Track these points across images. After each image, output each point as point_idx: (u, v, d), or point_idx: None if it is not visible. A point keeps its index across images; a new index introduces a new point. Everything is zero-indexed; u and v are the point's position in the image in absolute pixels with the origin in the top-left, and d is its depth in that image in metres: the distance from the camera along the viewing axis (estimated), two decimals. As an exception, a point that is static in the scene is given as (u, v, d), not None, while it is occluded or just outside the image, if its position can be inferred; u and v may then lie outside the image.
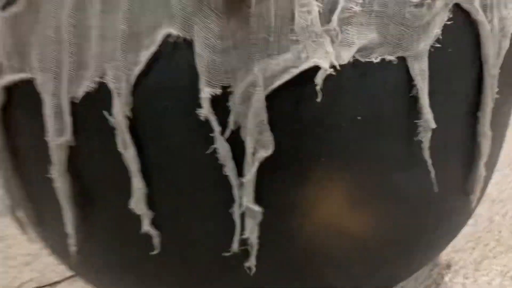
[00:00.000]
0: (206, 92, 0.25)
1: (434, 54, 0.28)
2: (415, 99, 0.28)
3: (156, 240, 0.30)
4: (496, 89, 0.32)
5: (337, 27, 0.25)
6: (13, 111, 0.31)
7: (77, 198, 0.31)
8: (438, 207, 0.33)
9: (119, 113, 0.26)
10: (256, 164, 0.27)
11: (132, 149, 0.27)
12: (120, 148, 0.27)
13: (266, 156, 0.27)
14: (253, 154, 0.27)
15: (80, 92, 0.27)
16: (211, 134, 0.26)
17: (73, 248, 0.32)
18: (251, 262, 0.30)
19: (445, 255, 0.54)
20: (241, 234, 0.29)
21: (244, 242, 0.30)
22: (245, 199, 0.28)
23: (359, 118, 0.28)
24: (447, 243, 0.40)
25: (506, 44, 0.31)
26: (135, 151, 0.27)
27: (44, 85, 0.28)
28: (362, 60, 0.26)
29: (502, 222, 0.59)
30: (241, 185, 0.28)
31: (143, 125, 0.27)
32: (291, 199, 0.29)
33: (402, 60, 0.28)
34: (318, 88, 0.26)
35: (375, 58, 0.27)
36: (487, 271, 0.51)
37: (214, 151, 0.27)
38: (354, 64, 0.27)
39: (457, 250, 0.55)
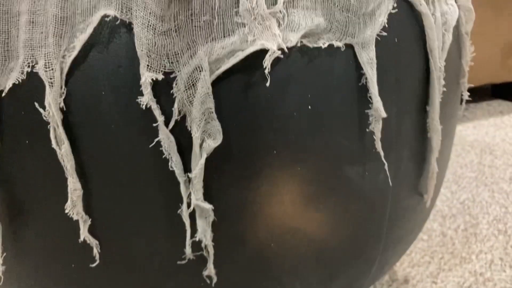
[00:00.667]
0: (146, 77, 0.24)
1: (381, 43, 0.28)
2: (365, 89, 0.28)
3: (96, 250, 0.27)
4: (443, 82, 0.32)
5: (283, 9, 0.25)
6: None
7: (4, 208, 0.27)
8: (393, 204, 0.33)
9: (52, 105, 0.24)
10: (204, 156, 0.25)
11: (66, 145, 0.25)
12: (54, 144, 0.25)
13: (214, 146, 0.25)
14: (201, 145, 0.25)
15: (8, 84, 0.25)
16: (154, 125, 0.25)
17: (0, 268, 0.29)
18: (210, 270, 0.28)
19: (402, 270, 0.53)
20: (193, 237, 0.27)
21: (198, 246, 0.27)
22: (193, 197, 0.26)
23: (309, 107, 0.27)
24: (405, 248, 0.39)
25: (449, 38, 0.32)
26: (70, 147, 0.25)
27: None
28: (310, 45, 0.26)
29: (455, 236, 0.59)
30: (188, 181, 0.26)
31: (78, 118, 0.25)
32: (243, 195, 0.27)
33: (350, 48, 0.27)
34: (266, 71, 0.24)
35: (323, 44, 0.26)
36: (444, 283, 0.51)
37: (158, 144, 0.25)
38: (302, 50, 0.26)
39: (414, 265, 0.54)
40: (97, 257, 0.28)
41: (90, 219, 0.27)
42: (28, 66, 0.24)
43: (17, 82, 0.25)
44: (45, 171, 0.26)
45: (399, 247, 0.37)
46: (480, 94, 1.20)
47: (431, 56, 0.31)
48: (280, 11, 0.25)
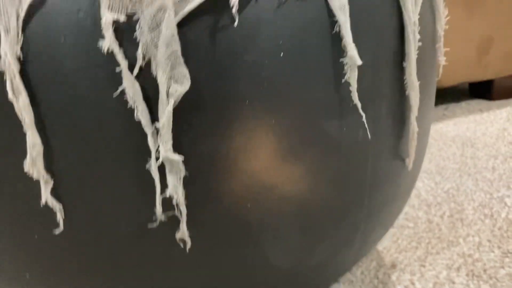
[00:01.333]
0: (107, 18, 0.22)
1: (352, -8, 0.27)
2: (339, 37, 0.27)
3: (59, 215, 0.26)
4: (419, 37, 0.31)
5: None
6: None
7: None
8: (374, 165, 0.31)
9: (8, 54, 0.23)
10: (171, 103, 0.24)
11: (24, 96, 0.23)
12: (10, 96, 0.23)
13: (182, 92, 0.24)
14: (167, 92, 0.24)
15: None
16: (117, 70, 0.23)
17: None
18: (183, 232, 0.26)
19: (389, 256, 0.52)
20: (163, 193, 0.25)
21: (170, 206, 0.26)
22: (162, 149, 0.24)
23: (281, 54, 0.26)
24: (389, 219, 0.38)
25: (421, -9, 0.31)
26: (28, 98, 0.23)
27: None
28: (279, -14, 0.25)
29: (441, 222, 0.58)
30: (156, 131, 0.24)
31: (36, 67, 0.24)
32: (215, 148, 0.26)
33: (321, -7, 0.26)
34: (234, 10, 0.23)
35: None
36: (432, 266, 0.49)
37: (123, 93, 0.24)
38: (271, -9, 0.25)
39: (401, 251, 0.53)
40: (61, 222, 0.26)
41: (52, 180, 0.25)
42: (-19, 13, 0.23)
43: (-31, 31, 0.23)
44: (1, 126, 0.24)
45: (383, 216, 0.36)
46: (458, 94, 1.21)
47: (404, 9, 0.30)
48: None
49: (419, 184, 0.70)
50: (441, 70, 0.38)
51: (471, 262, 0.49)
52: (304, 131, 0.27)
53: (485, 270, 0.47)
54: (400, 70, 0.32)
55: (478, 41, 1.01)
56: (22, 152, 0.24)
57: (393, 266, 0.50)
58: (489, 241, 0.53)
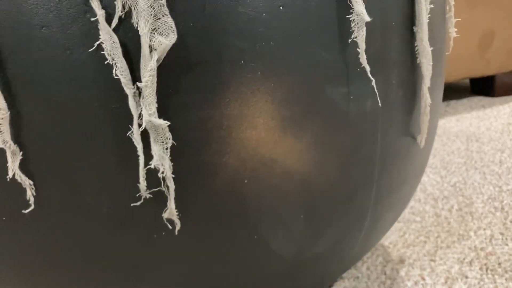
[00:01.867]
0: (81, -42, 0.19)
1: None
2: (343, -8, 0.24)
3: (29, 192, 0.22)
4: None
5: None
6: None
7: None
8: (383, 140, 0.28)
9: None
10: (155, 58, 0.21)
11: (-14, 51, 0.20)
12: (-31, 51, 0.20)
13: (167, 45, 0.21)
14: (150, 46, 0.21)
15: None
16: (93, 19, 0.20)
17: None
18: (171, 211, 0.23)
19: (396, 251, 0.49)
20: (148, 166, 0.22)
21: (157, 182, 0.23)
22: (145, 112, 0.21)
23: (281, 8, 0.23)
24: (398, 206, 0.35)
25: (432, -52, 0.28)
26: (-10, 54, 0.20)
27: None
28: None
29: (449, 216, 0.55)
30: (138, 93, 0.21)
31: (2, 21, 0.20)
32: (206, 114, 0.22)
33: None
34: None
35: None
36: (443, 260, 0.46)
37: (99, 48, 0.21)
38: None
39: (408, 245, 0.50)
40: (31, 200, 0.23)
41: (21, 152, 0.22)
42: None
43: None
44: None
45: (392, 200, 0.33)
46: (459, 91, 1.19)
47: (414, -33, 0.27)
48: None
49: (424, 178, 0.67)
50: (451, 42, 0.35)
51: (484, 256, 0.46)
52: (307, 98, 0.24)
53: (499, 264, 0.44)
54: (410, 36, 0.29)
55: (480, 36, 0.98)
56: (-16, 118, 0.21)
57: (401, 261, 0.47)
58: (501, 234, 0.50)
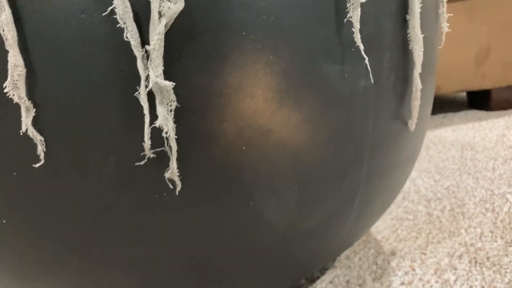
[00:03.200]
0: None
1: None
2: (340, -26, 0.26)
3: (40, 148, 0.24)
4: (421, -13, 0.30)
5: None
6: None
7: None
8: (375, 121, 0.30)
9: (-10, -37, 0.21)
10: (163, 22, 0.22)
11: (8, 11, 0.22)
12: (-8, 10, 0.22)
13: (175, 10, 0.22)
14: (160, 12, 0.22)
15: None
16: (107, -15, 0.22)
17: None
18: (173, 171, 0.24)
19: (388, 245, 0.50)
20: (153, 125, 0.24)
21: (160, 142, 0.24)
22: (152, 73, 0.23)
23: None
24: (389, 191, 0.36)
25: None
26: (11, 14, 0.22)
27: None
28: None
29: (442, 215, 0.56)
30: (146, 55, 0.23)
31: (22, -19, 0.22)
32: (208, 81, 0.24)
33: None
34: None
35: None
36: (433, 254, 0.47)
37: (112, 12, 0.22)
38: None
39: (400, 240, 0.51)
40: (42, 156, 0.24)
41: (34, 108, 0.23)
42: None
43: None
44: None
45: (383, 184, 0.34)
46: (456, 104, 1.21)
47: (408, -42, 0.29)
48: None
49: (418, 181, 0.69)
50: (443, 37, 0.37)
51: (473, 250, 0.47)
52: (303, 73, 0.26)
53: (488, 258, 0.46)
54: (403, 23, 0.30)
55: (477, 50, 1.01)
56: (2, 73, 0.23)
57: (393, 253, 0.48)
58: (491, 232, 0.51)
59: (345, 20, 0.26)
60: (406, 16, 0.30)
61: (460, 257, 0.46)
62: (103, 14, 0.22)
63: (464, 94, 1.32)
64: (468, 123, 1.00)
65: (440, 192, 0.64)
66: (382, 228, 0.54)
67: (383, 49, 0.29)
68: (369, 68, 0.27)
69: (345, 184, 0.31)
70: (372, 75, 0.28)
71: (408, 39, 0.31)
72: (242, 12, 0.24)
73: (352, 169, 0.30)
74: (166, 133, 0.24)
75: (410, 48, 0.31)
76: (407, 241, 0.51)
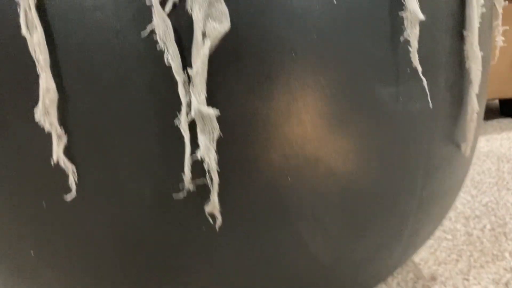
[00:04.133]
0: None
1: None
2: (397, -12, 0.24)
3: (72, 178, 0.22)
4: (482, 1, 0.28)
5: None
6: None
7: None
8: (429, 145, 0.27)
9: (22, -19, 0.20)
10: (208, 45, 0.20)
11: (40, 31, 0.20)
12: (24, 31, 0.20)
13: (220, 32, 0.20)
14: (203, 32, 0.20)
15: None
16: (147, 4, 0.20)
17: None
18: (214, 204, 0.22)
19: (427, 268, 0.47)
20: (193, 154, 0.22)
21: (199, 173, 0.22)
22: (194, 100, 0.21)
23: (334, 1, 0.22)
24: (439, 217, 0.34)
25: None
26: (43, 35, 0.20)
27: None
28: None
29: (482, 235, 0.53)
30: (188, 80, 0.21)
31: (55, 1, 0.20)
32: (254, 107, 0.22)
33: None
34: None
35: None
36: (477, 280, 0.44)
37: (151, 33, 0.20)
38: None
39: (440, 263, 0.48)
40: (73, 186, 0.22)
41: (66, 135, 0.22)
42: None
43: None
44: (11, 65, 0.21)
45: (434, 210, 0.32)
46: (488, 112, 1.17)
47: (467, -31, 0.27)
48: None
49: (454, 197, 0.65)
50: (497, 52, 0.34)
51: (520, 277, 0.44)
52: (355, 96, 0.24)
53: (537, 286, 0.42)
54: (460, 40, 0.28)
55: (511, 57, 0.97)
56: (33, 98, 0.21)
57: (433, 278, 0.45)
58: (538, 255, 0.48)
59: (401, 39, 0.24)
60: (464, 31, 0.28)
61: (506, 284, 0.43)
62: (142, 34, 0.20)
63: (496, 101, 1.28)
64: (502, 132, 0.96)
65: (479, 209, 0.61)
66: (419, 249, 0.51)
67: (439, 68, 0.27)
68: (426, 90, 0.25)
69: (395, 214, 0.28)
70: (427, 97, 0.26)
71: (465, 57, 0.28)
72: (291, 31, 0.22)
73: (403, 197, 0.28)
74: (208, 164, 0.22)
75: (467, 67, 0.28)
76: (447, 264, 0.48)
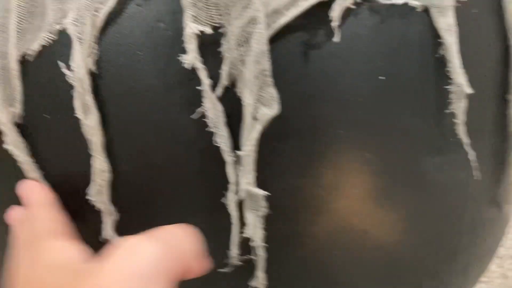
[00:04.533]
0: (191, 29, 0.20)
1: (458, 12, 0.24)
2: (443, 62, 0.24)
3: (121, 252, 0.22)
4: (525, 66, 0.27)
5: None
6: None
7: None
8: (473, 211, 0.27)
9: (80, 66, 0.20)
10: (258, 129, 0.21)
11: (94, 114, 0.21)
12: (79, 113, 0.21)
13: (271, 116, 0.21)
14: (254, 116, 0.21)
15: (34, 47, 0.21)
16: (198, 88, 0.20)
17: None
18: (259, 279, 0.23)
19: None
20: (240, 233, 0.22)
21: (244, 249, 0.22)
22: (243, 181, 0.21)
23: (379, 77, 0.22)
24: (475, 278, 0.33)
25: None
26: (98, 118, 0.21)
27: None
28: (382, 1, 0.22)
29: (518, 278, 0.52)
30: (237, 160, 0.21)
31: (109, 83, 0.21)
32: (302, 184, 0.22)
33: (425, 11, 0.23)
34: (335, 24, 0.21)
35: (397, 1, 0.22)
36: (515, 329, 0.43)
37: (202, 116, 0.21)
38: (371, 6, 0.22)
39: (476, 309, 0.47)
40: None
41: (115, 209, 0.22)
42: (57, 23, 0.21)
43: (44, 43, 0.21)
44: (64, 146, 0.22)
45: (473, 272, 0.31)
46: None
47: (510, 34, 0.27)
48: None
49: (486, 234, 0.64)
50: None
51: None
52: (400, 168, 0.24)
53: None
54: (503, 104, 0.28)
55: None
56: (83, 178, 0.21)
57: (469, 326, 0.45)
58: None
59: (446, 111, 0.24)
60: (506, 96, 0.28)
61: (546, 335, 0.42)
62: (192, 116, 0.21)
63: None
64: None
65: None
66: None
67: (484, 136, 0.26)
68: (472, 160, 0.25)
69: (438, 279, 0.28)
70: (472, 165, 0.26)
71: (508, 121, 0.28)
72: (339, 109, 0.22)
73: (447, 262, 0.28)
74: (254, 241, 0.22)
75: (510, 130, 0.28)
76: (484, 310, 0.47)
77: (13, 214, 0.22)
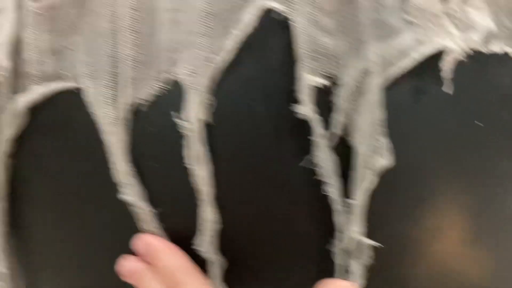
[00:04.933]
0: (307, 81, 0.20)
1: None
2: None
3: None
4: None
5: (456, 7, 0.22)
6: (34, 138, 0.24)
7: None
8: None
9: (194, 117, 0.20)
10: (371, 180, 0.21)
11: (206, 166, 0.21)
12: (191, 163, 0.21)
13: (383, 167, 0.21)
14: (366, 165, 0.21)
15: (143, 96, 0.21)
16: (310, 138, 0.20)
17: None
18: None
19: None
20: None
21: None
22: (352, 230, 0.21)
23: (477, 122, 0.23)
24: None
25: None
26: (209, 170, 0.21)
27: (94, 94, 0.21)
28: (483, 50, 0.22)
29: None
30: (347, 210, 0.21)
31: (221, 133, 0.21)
32: (406, 229, 0.22)
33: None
34: (446, 74, 0.21)
35: (498, 49, 0.22)
36: None
37: (309, 163, 0.21)
38: (473, 54, 0.22)
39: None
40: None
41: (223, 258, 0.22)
42: (168, 73, 0.21)
43: (155, 92, 0.21)
44: (172, 195, 0.21)
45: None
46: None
47: None
48: (454, 9, 0.22)
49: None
50: None
51: None
52: (494, 208, 0.24)
53: None
54: None
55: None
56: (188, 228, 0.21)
57: None
58: None
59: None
60: None
61: None
62: (301, 164, 0.21)
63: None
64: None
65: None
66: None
67: None
68: None
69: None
70: None
71: None
72: (436, 158, 0.22)
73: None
74: (358, 287, 0.22)
75: None
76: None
77: (128, 266, 0.22)
